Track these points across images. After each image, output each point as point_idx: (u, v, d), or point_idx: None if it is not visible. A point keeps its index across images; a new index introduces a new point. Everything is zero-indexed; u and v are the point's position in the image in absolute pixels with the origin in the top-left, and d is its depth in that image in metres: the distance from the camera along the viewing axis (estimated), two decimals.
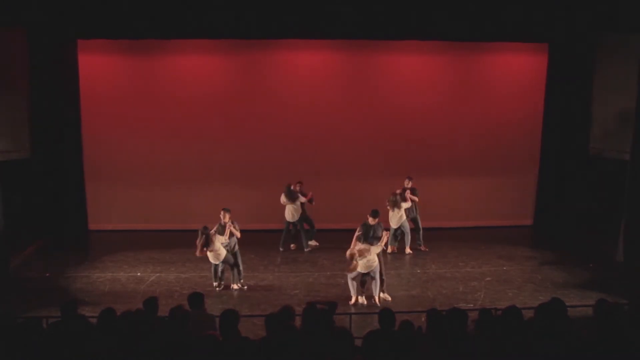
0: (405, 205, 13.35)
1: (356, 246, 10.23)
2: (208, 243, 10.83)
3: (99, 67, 15.20)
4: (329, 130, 15.68)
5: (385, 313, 6.34)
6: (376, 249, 10.20)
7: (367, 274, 10.21)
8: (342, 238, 14.79)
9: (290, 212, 13.82)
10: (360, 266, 10.10)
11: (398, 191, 13.53)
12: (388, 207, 13.28)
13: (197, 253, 10.93)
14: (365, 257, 10.01)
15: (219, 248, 10.94)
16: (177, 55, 15.27)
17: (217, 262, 11.06)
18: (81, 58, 15.06)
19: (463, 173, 16.04)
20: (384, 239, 10.44)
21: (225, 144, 15.62)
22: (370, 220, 10.55)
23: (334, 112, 15.64)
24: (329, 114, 15.65)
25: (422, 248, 13.88)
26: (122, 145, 15.48)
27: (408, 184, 13.77)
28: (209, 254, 11.03)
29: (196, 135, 15.55)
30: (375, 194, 14.93)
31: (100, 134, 15.38)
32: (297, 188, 13.92)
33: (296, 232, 14.02)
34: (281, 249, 13.94)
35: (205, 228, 11.02)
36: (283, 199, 13.80)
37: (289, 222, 13.95)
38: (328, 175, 15.76)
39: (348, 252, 10.20)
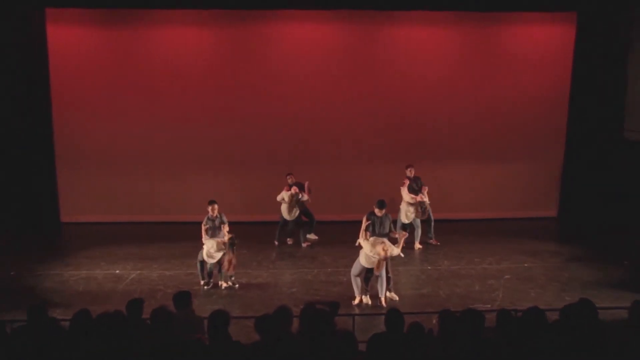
0: (408, 198, 13.34)
1: (367, 238, 10.20)
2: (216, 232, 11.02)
3: (70, 39, 15.09)
4: (329, 111, 15.66)
5: (393, 314, 6.33)
6: (395, 250, 10.18)
7: (372, 270, 10.22)
8: (344, 231, 14.82)
9: (288, 210, 13.83)
10: (366, 259, 10.08)
11: (426, 200, 13.47)
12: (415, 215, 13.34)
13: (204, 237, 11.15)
14: (381, 250, 9.99)
15: (219, 245, 11.02)
16: (160, 27, 15.19)
17: (211, 260, 11.06)
18: (50, 29, 14.94)
19: (479, 158, 16.05)
20: (401, 242, 10.39)
21: (213, 127, 15.59)
22: (377, 211, 10.54)
23: (334, 92, 15.62)
24: (329, 94, 15.62)
25: (434, 242, 13.91)
26: (97, 128, 15.42)
27: (410, 172, 13.71)
28: (208, 242, 11.00)
29: (181, 117, 15.52)
30: (381, 182, 14.95)
31: (73, 115, 15.32)
32: (290, 181, 13.88)
33: (294, 225, 14.05)
34: (277, 243, 13.95)
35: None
36: (283, 197, 13.69)
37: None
38: (328, 161, 15.76)
39: (359, 241, 10.21)
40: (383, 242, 10.12)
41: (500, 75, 15.84)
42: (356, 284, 10.46)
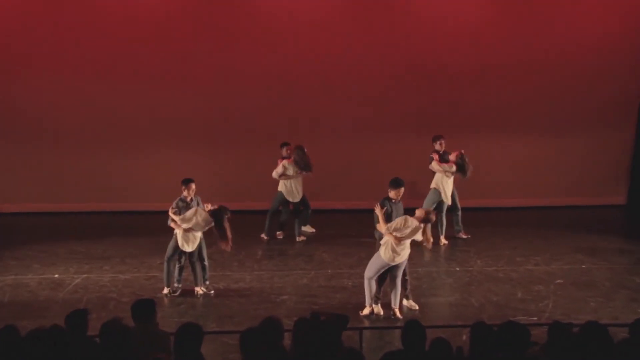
0: (447, 167, 13.38)
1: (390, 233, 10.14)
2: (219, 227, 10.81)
3: None
4: (333, 70, 15.65)
5: (411, 328, 6.32)
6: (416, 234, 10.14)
7: (389, 270, 10.18)
8: (348, 222, 14.88)
9: (294, 188, 13.79)
10: (389, 254, 10.01)
11: (462, 150, 13.48)
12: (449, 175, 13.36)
13: (173, 224, 10.99)
14: (414, 223, 9.98)
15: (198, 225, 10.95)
16: None
17: (189, 248, 10.95)
18: None
19: (522, 129, 16.06)
20: (428, 232, 10.31)
21: (184, 90, 15.58)
22: (393, 194, 10.51)
23: (338, 45, 15.57)
24: (332, 47, 15.58)
25: (463, 235, 13.94)
26: (29, 94, 15.39)
27: (441, 146, 13.67)
28: (184, 223, 10.94)
29: (142, 77, 15.50)
30: (398, 161, 14.93)
31: (1, 76, 15.28)
32: (286, 153, 13.89)
33: (289, 213, 14.04)
34: (266, 238, 13.98)
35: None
36: (286, 168, 13.67)
37: (284, 202, 13.92)
38: (329, 135, 15.78)
39: (385, 228, 10.09)
40: (405, 217, 10.05)
41: (555, 18, 15.71)
42: (369, 288, 10.42)
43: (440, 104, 15.81)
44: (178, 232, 11.00)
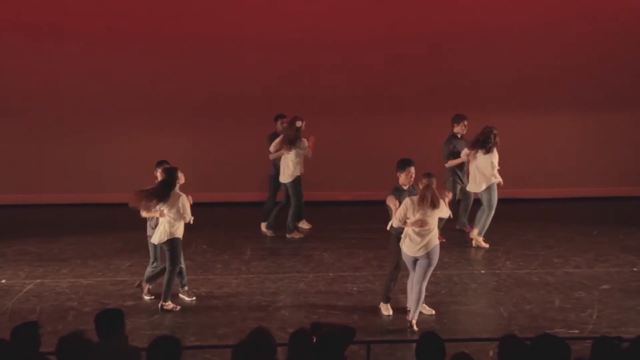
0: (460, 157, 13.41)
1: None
2: (165, 194, 10.63)
3: None
4: (335, 41, 15.67)
5: (428, 341, 6.30)
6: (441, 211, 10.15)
7: (415, 268, 10.20)
8: (352, 216, 14.86)
9: (291, 166, 13.70)
10: (410, 246, 10.04)
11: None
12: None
13: (145, 212, 10.84)
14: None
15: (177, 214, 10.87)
16: None
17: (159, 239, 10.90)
18: None
19: (554, 106, 16.06)
20: (447, 202, 10.33)
21: (158, 69, 15.61)
22: (402, 178, 10.53)
23: (338, 25, 15.63)
24: (334, 15, 15.64)
25: (467, 229, 13.89)
26: None
27: (463, 128, 13.65)
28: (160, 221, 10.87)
29: (108, 47, 15.49)
30: (408, 144, 14.86)
31: None
32: (280, 128, 13.93)
33: (273, 202, 14.12)
34: (269, 233, 14.02)
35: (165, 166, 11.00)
36: (278, 146, 13.71)
37: (278, 184, 13.97)
38: (329, 115, 15.79)
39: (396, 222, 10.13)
40: (409, 199, 10.12)
41: None
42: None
43: (455, 79, 15.85)
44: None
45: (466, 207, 13.99)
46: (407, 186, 10.51)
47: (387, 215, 10.55)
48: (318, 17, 15.61)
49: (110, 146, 15.69)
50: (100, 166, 15.65)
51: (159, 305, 10.73)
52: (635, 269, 12.46)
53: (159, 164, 11.30)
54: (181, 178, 10.78)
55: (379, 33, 15.71)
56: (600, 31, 15.89)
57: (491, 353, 8.70)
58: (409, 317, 10.29)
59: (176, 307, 10.78)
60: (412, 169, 10.48)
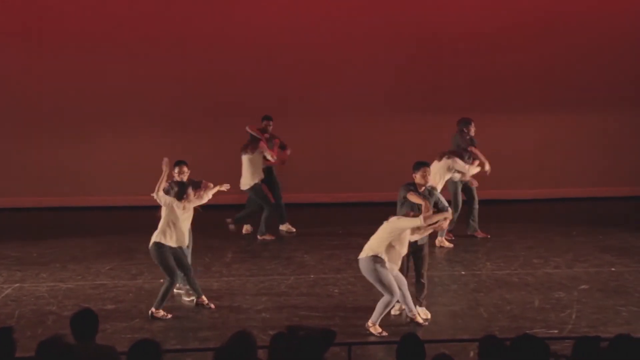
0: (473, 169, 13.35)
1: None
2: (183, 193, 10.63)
3: None
4: (323, 37, 15.63)
5: (408, 342, 6.26)
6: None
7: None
8: (333, 218, 14.83)
9: (247, 173, 13.74)
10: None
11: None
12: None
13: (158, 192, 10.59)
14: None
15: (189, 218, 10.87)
16: None
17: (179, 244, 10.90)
18: None
19: (540, 110, 16.01)
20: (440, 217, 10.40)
21: (144, 66, 15.52)
22: (419, 178, 10.53)
23: (333, 21, 15.59)
24: (323, 23, 15.60)
25: (479, 234, 13.86)
26: None
27: (472, 130, 13.61)
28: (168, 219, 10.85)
29: (90, 52, 15.41)
30: (391, 148, 14.88)
31: None
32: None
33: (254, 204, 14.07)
34: (267, 238, 13.93)
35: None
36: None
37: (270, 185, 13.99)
38: (315, 119, 15.76)
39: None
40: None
41: None
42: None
43: (445, 77, 15.88)
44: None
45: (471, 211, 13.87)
46: (423, 188, 10.42)
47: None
48: (309, 19, 15.68)
49: (91, 149, 15.60)
50: (81, 169, 15.56)
51: (150, 312, 10.59)
52: (613, 269, 12.47)
53: (179, 163, 11.29)
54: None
55: (371, 27, 15.77)
56: (600, 30, 15.92)
57: (472, 354, 8.72)
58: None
59: (167, 315, 10.63)
60: (428, 169, 10.50)
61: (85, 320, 6.99)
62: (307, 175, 15.14)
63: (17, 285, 11.92)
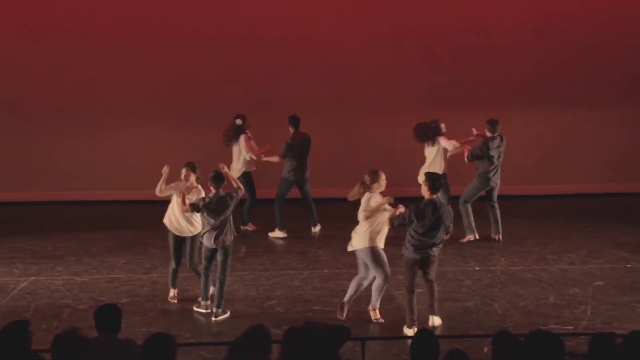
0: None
1: None
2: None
3: None
4: (327, 30, 15.77)
5: (422, 338, 6.35)
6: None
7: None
8: (346, 213, 14.86)
9: (234, 162, 13.98)
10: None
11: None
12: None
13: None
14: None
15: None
16: None
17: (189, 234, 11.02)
18: None
19: (555, 105, 16.13)
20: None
21: (149, 59, 15.71)
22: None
23: (333, 15, 15.77)
24: (322, 18, 15.78)
25: (497, 237, 13.78)
26: None
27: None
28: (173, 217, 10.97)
29: (92, 46, 15.60)
30: (402, 142, 14.92)
31: None
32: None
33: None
34: (279, 235, 14.07)
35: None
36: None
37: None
38: (325, 114, 15.92)
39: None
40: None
41: None
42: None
43: (448, 72, 16.03)
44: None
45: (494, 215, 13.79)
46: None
47: None
48: (308, 14, 15.78)
49: (105, 144, 15.74)
50: (93, 163, 15.69)
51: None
52: (629, 265, 12.52)
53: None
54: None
55: (377, 21, 15.91)
56: (599, 29, 15.99)
57: (485, 349, 8.75)
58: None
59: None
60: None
61: (109, 315, 7.03)
62: (320, 170, 15.16)
63: (33, 278, 12.04)
